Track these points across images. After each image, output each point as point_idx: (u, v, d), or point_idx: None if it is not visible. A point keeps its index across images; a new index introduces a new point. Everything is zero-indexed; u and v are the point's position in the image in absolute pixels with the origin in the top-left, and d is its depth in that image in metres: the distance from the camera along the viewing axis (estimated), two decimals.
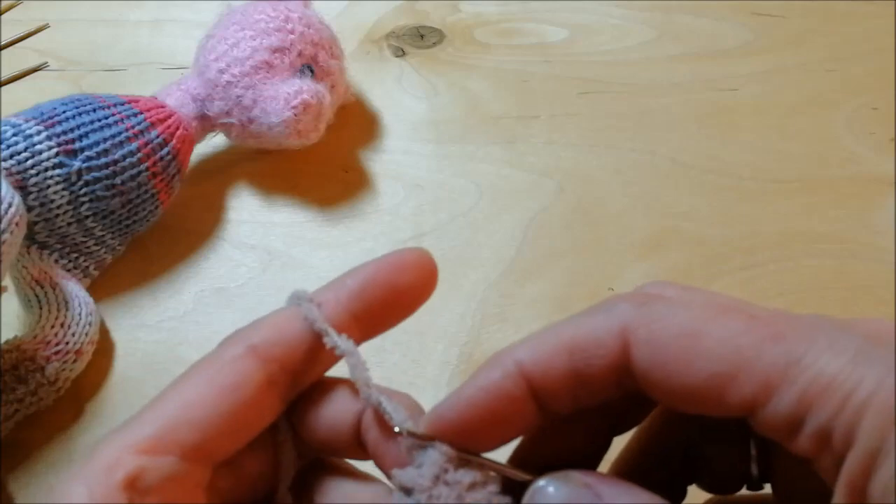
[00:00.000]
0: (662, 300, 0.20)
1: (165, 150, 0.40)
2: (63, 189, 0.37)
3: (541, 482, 0.20)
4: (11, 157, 0.35)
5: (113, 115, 0.39)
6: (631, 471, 0.24)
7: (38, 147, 0.36)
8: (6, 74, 0.50)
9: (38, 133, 0.36)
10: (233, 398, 0.21)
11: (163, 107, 0.41)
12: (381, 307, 0.24)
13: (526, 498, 0.20)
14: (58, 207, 0.37)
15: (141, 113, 0.39)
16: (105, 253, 0.40)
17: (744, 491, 0.23)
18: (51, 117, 0.37)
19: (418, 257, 0.24)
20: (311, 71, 0.43)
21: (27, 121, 0.37)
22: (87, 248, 0.39)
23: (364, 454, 0.23)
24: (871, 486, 0.16)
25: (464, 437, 0.21)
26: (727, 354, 0.18)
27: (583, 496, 0.19)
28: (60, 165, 0.36)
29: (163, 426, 0.20)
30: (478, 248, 0.42)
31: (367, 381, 0.23)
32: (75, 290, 0.37)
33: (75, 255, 0.39)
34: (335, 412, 0.23)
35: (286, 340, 0.22)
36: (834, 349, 0.17)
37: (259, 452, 0.23)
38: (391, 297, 0.24)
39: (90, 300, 0.38)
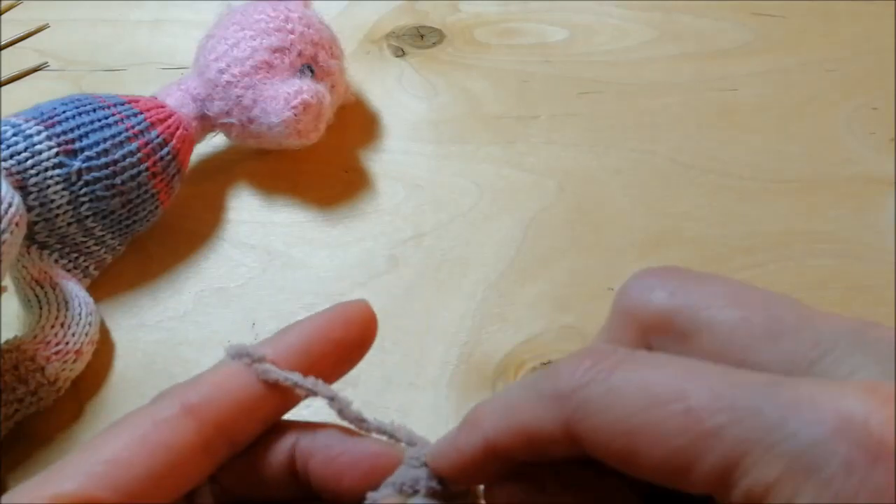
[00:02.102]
0: (604, 376, 0.18)
1: (165, 150, 0.40)
2: (63, 189, 0.37)
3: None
4: (11, 157, 0.35)
5: (113, 115, 0.39)
6: None
7: (38, 147, 0.36)
8: (6, 74, 0.50)
9: (38, 133, 0.36)
10: (163, 460, 0.21)
11: (163, 107, 0.41)
12: (321, 362, 0.23)
13: None
14: (58, 207, 0.37)
15: (141, 113, 0.39)
16: (105, 253, 0.40)
17: None
18: (51, 117, 0.37)
19: (359, 310, 0.24)
20: (311, 71, 0.43)
21: (27, 121, 0.37)
22: (87, 248, 0.39)
23: (294, 494, 0.23)
24: None
25: (469, 480, 0.22)
26: (664, 459, 0.17)
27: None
28: (60, 165, 0.36)
29: (85, 482, 0.20)
30: (478, 248, 0.42)
31: (361, 417, 0.23)
32: (75, 290, 0.37)
33: (75, 255, 0.39)
34: (261, 455, 0.23)
35: (226, 400, 0.22)
36: (772, 453, 0.16)
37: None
38: (331, 352, 0.24)
39: (90, 300, 0.38)
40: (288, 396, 0.23)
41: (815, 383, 0.16)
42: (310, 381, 0.23)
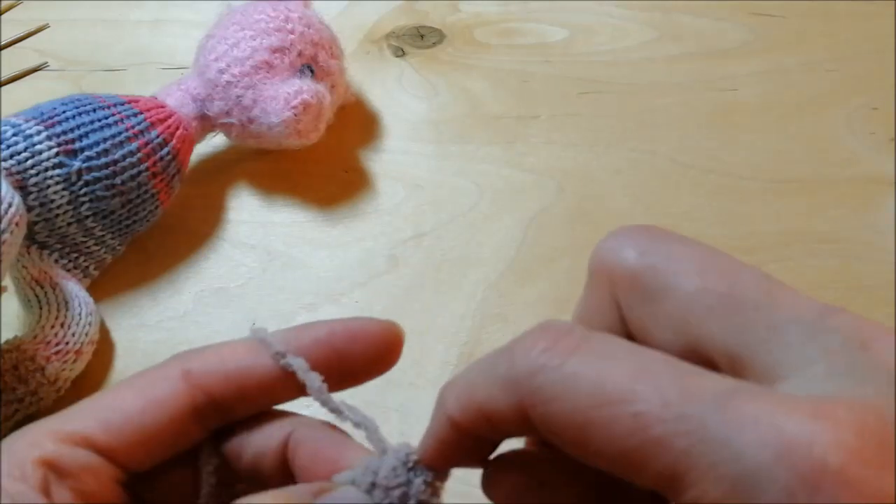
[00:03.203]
0: (558, 362, 0.18)
1: (165, 150, 0.40)
2: (63, 189, 0.37)
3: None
4: (11, 157, 0.35)
5: (113, 115, 0.39)
6: None
7: (38, 147, 0.36)
8: (6, 74, 0.50)
9: (38, 133, 0.36)
10: (153, 414, 0.22)
11: (163, 107, 0.41)
12: (335, 366, 0.24)
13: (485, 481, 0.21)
14: (58, 207, 0.37)
15: (141, 113, 0.39)
16: (105, 253, 0.40)
17: None
18: (51, 117, 0.37)
19: (390, 331, 0.24)
20: (311, 71, 0.43)
21: (27, 121, 0.37)
22: (87, 248, 0.39)
23: (285, 482, 0.23)
24: None
25: (455, 462, 0.22)
26: (615, 456, 0.17)
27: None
28: (60, 165, 0.36)
29: (84, 422, 0.22)
30: (478, 248, 0.42)
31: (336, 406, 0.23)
32: (75, 290, 0.37)
33: (75, 255, 0.39)
34: (261, 440, 0.24)
35: (223, 372, 0.23)
36: (715, 472, 0.15)
37: (184, 469, 0.24)
38: (349, 361, 0.24)
39: (90, 300, 0.38)
40: (291, 387, 0.23)
41: (765, 399, 0.16)
42: (318, 385, 0.23)
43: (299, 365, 0.23)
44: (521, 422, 0.18)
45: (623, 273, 0.20)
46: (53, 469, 0.21)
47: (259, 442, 0.24)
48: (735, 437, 0.15)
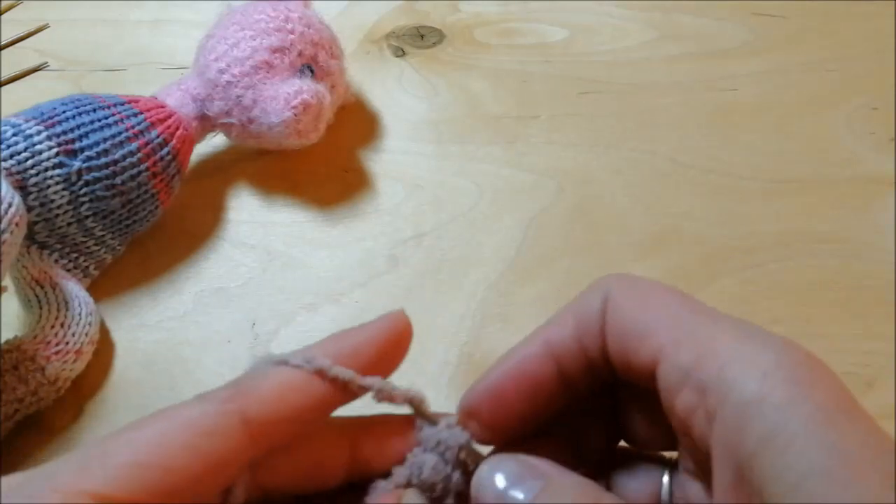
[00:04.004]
0: (641, 280, 0.24)
1: (165, 150, 0.40)
2: (63, 189, 0.37)
3: (488, 465, 0.22)
4: (11, 157, 0.35)
5: (113, 115, 0.39)
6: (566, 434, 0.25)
7: (38, 147, 0.36)
8: (6, 74, 0.50)
9: (38, 133, 0.36)
10: (207, 469, 0.20)
11: (163, 107, 0.41)
12: (367, 366, 0.24)
13: (474, 481, 0.22)
14: (58, 207, 0.37)
15: (141, 113, 0.39)
16: (105, 253, 0.40)
17: None
18: (51, 117, 0.37)
19: (397, 318, 0.25)
20: (311, 71, 0.43)
21: (27, 121, 0.37)
22: (87, 248, 0.39)
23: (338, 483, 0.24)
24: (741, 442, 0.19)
25: (501, 411, 0.23)
26: (655, 319, 0.22)
27: (529, 476, 0.22)
28: (60, 165, 0.36)
29: (125, 480, 0.19)
30: (478, 248, 0.42)
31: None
32: (75, 290, 0.37)
33: (75, 255, 0.39)
34: (322, 452, 0.24)
35: (284, 419, 0.22)
36: (734, 331, 0.21)
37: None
38: (376, 357, 0.24)
39: (90, 300, 0.38)
40: (335, 399, 0.23)
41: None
42: (380, 384, 0.24)
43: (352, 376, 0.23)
44: (603, 312, 0.23)
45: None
46: None
47: (318, 456, 0.24)
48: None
